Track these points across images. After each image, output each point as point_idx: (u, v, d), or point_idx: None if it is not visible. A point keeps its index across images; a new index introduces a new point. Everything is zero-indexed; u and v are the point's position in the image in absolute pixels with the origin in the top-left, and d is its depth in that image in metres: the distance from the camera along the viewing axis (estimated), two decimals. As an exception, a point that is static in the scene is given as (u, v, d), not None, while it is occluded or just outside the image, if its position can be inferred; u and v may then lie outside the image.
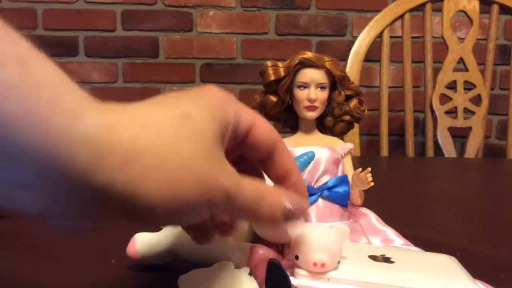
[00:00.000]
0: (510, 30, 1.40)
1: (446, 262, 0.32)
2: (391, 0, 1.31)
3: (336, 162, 0.43)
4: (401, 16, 1.13)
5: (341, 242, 0.30)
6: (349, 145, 0.45)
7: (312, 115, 0.43)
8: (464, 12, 1.14)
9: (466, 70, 1.14)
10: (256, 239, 0.36)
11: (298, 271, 0.30)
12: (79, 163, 0.16)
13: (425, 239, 0.42)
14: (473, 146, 1.13)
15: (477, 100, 1.14)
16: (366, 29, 1.11)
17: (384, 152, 1.12)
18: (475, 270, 0.32)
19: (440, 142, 1.13)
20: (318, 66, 0.42)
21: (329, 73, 0.43)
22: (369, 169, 0.40)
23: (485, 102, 1.13)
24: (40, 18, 1.37)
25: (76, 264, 0.38)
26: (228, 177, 0.21)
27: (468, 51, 1.13)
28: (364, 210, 0.44)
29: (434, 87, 1.14)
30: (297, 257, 0.30)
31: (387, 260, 0.31)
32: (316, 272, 0.29)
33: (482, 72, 1.14)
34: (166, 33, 1.40)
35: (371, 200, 0.44)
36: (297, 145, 0.43)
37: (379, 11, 1.13)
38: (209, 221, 0.26)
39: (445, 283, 0.29)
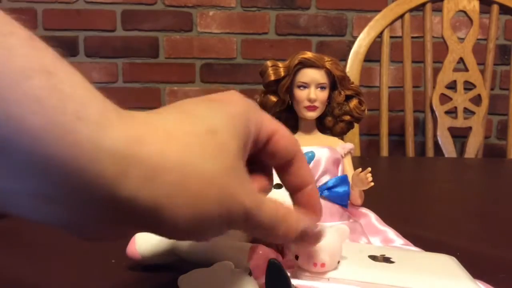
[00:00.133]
0: (510, 30, 1.40)
1: (446, 262, 0.32)
2: (391, 0, 1.31)
3: (336, 162, 0.43)
4: (401, 16, 1.13)
5: (341, 242, 0.30)
6: (349, 145, 0.45)
7: (312, 115, 0.43)
8: (464, 12, 1.14)
9: (466, 70, 1.14)
10: (256, 239, 0.36)
11: (298, 271, 0.30)
12: (105, 176, 0.16)
13: (425, 239, 0.42)
14: (473, 146, 1.13)
15: (477, 100, 1.14)
16: (366, 29, 1.11)
17: (384, 152, 1.12)
18: (475, 270, 0.32)
19: (440, 142, 1.13)
20: (318, 66, 0.42)
21: (329, 73, 0.43)
22: (369, 169, 0.40)
23: (485, 102, 1.13)
24: (40, 18, 1.37)
25: (76, 264, 0.38)
26: (249, 196, 0.21)
27: (468, 51, 1.13)
28: (364, 210, 0.44)
29: (434, 87, 1.14)
30: (297, 257, 0.30)
31: (387, 260, 0.31)
32: (316, 272, 0.29)
33: (482, 72, 1.15)
34: (166, 33, 1.40)
35: (371, 200, 0.44)
36: (297, 145, 0.43)
37: (379, 11, 1.13)
38: None
39: (445, 283, 0.29)
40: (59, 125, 0.15)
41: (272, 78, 0.43)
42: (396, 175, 0.88)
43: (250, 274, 0.28)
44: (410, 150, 1.13)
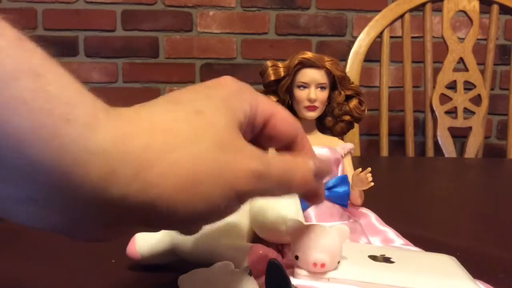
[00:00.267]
0: (510, 30, 1.40)
1: (446, 262, 0.32)
2: (391, 0, 1.31)
3: (336, 162, 0.43)
4: (401, 16, 1.13)
5: (341, 242, 0.30)
6: (349, 145, 0.45)
7: (312, 115, 0.43)
8: (464, 12, 1.13)
9: (466, 70, 1.14)
10: (256, 239, 0.36)
11: (298, 271, 0.30)
12: (92, 177, 0.16)
13: (425, 239, 0.42)
14: (473, 146, 1.13)
15: (477, 100, 1.14)
16: (366, 29, 1.11)
17: (384, 152, 1.12)
18: (475, 270, 0.32)
19: (440, 142, 1.13)
20: (318, 66, 0.42)
21: (329, 73, 0.43)
22: (369, 169, 0.40)
23: (485, 102, 1.13)
24: (40, 18, 1.37)
25: (76, 264, 0.38)
26: (253, 159, 0.20)
27: (468, 51, 1.13)
28: (364, 210, 0.44)
29: (434, 87, 1.13)
30: (297, 257, 0.30)
31: (387, 260, 0.31)
32: (316, 272, 0.29)
33: (482, 72, 1.14)
34: (166, 33, 1.40)
35: (371, 200, 0.44)
36: (297, 145, 0.43)
37: (379, 11, 1.13)
38: None
39: (445, 283, 0.29)
40: (46, 128, 0.15)
41: (272, 78, 0.43)
42: (396, 175, 0.88)
43: (250, 274, 0.28)
44: (410, 150, 1.13)
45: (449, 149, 1.13)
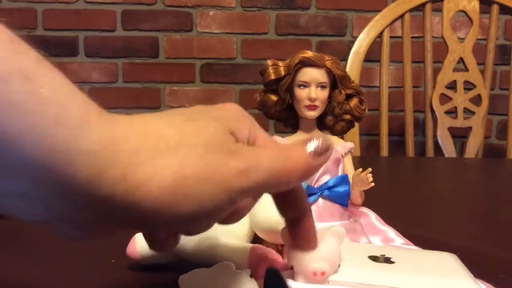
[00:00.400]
0: (510, 30, 1.40)
1: (447, 261, 0.32)
2: (391, 0, 1.31)
3: (337, 161, 0.43)
4: (401, 16, 1.13)
5: (339, 245, 0.30)
6: (349, 145, 0.45)
7: (313, 114, 0.43)
8: (464, 12, 1.13)
9: (466, 70, 1.14)
10: (256, 239, 0.36)
11: (297, 273, 0.29)
12: (81, 176, 0.16)
13: (425, 239, 0.42)
14: (473, 146, 1.13)
15: (477, 100, 1.14)
16: (366, 29, 1.11)
17: (384, 152, 1.12)
18: (475, 270, 0.32)
19: (440, 142, 1.13)
20: (319, 65, 0.42)
21: (329, 72, 0.43)
22: (370, 169, 0.40)
23: (485, 102, 1.13)
24: (40, 18, 1.37)
25: (76, 264, 0.38)
26: (241, 156, 0.21)
27: (468, 51, 1.13)
28: (364, 209, 0.44)
29: (434, 87, 1.13)
30: (292, 267, 0.29)
31: (387, 260, 0.31)
32: (317, 281, 0.28)
33: (482, 72, 1.14)
34: (166, 33, 1.40)
35: (371, 200, 0.44)
36: (297, 145, 0.43)
37: (379, 11, 1.13)
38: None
39: (446, 283, 0.28)
40: (38, 129, 0.15)
41: (273, 77, 0.43)
42: (396, 175, 0.88)
43: (251, 276, 0.28)
44: (410, 150, 1.13)
45: (449, 149, 1.13)
